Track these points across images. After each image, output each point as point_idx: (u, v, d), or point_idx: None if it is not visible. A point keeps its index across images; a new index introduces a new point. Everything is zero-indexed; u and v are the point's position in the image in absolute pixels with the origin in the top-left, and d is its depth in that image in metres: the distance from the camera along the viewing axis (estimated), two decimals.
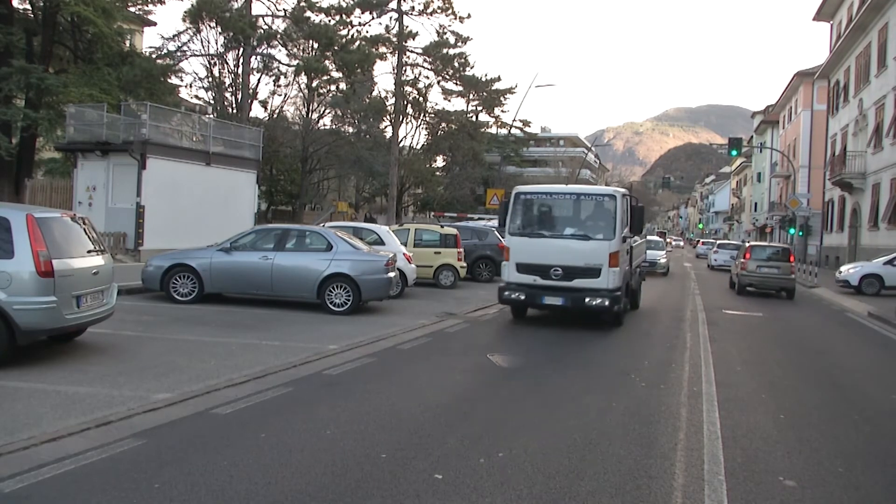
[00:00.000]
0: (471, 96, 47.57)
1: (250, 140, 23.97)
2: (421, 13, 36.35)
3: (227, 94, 36.80)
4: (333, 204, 45.87)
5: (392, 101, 40.69)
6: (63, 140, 21.05)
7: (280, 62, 36.54)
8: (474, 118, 50.82)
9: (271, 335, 9.02)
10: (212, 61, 35.61)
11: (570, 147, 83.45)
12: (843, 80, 34.43)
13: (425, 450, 4.75)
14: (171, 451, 4.51)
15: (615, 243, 10.56)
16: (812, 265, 26.99)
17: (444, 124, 48.10)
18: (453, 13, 36.36)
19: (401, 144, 44.31)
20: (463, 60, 40.07)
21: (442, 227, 18.80)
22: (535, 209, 11.55)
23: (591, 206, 11.32)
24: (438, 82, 43.10)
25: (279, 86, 39.86)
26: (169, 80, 28.71)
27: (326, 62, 34.06)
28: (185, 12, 30.42)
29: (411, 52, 38.53)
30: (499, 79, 44.20)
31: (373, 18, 36.09)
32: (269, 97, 41.73)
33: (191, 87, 39.07)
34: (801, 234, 33.58)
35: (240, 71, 34.69)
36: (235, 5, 30.82)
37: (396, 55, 37.43)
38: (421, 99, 43.65)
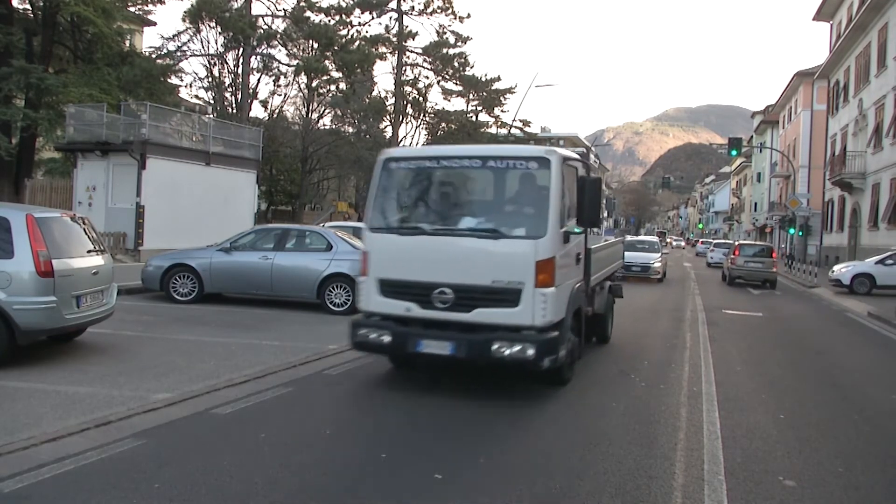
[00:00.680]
0: (471, 96, 47.47)
1: (250, 140, 23.98)
2: (421, 13, 36.39)
3: (227, 94, 36.79)
4: (333, 204, 45.87)
5: (392, 101, 40.70)
6: (63, 140, 21.05)
7: (280, 62, 36.54)
8: (474, 118, 50.70)
9: (271, 335, 9.02)
10: (212, 61, 35.60)
11: (570, 147, 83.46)
12: (842, 80, 34.43)
13: (425, 449, 4.75)
14: (171, 451, 4.51)
15: (548, 243, 6.05)
16: (812, 265, 26.97)
17: (444, 124, 48.01)
18: (453, 13, 36.40)
19: (401, 144, 44.30)
20: (463, 60, 40.07)
21: None
22: (413, 187, 7.06)
23: (506, 180, 6.76)
24: (438, 82, 43.06)
25: (279, 86, 39.85)
26: (169, 80, 28.70)
27: (326, 62, 34.04)
28: (185, 12, 30.41)
29: (411, 52, 38.55)
30: (499, 79, 44.11)
31: (373, 18, 36.13)
32: (268, 97, 41.67)
33: (191, 87, 39.04)
34: (800, 234, 33.57)
35: (240, 71, 34.68)
36: (235, 5, 30.80)
37: (396, 55, 37.44)
38: (421, 99, 43.61)
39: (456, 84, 43.24)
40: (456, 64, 40.09)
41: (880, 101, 27.52)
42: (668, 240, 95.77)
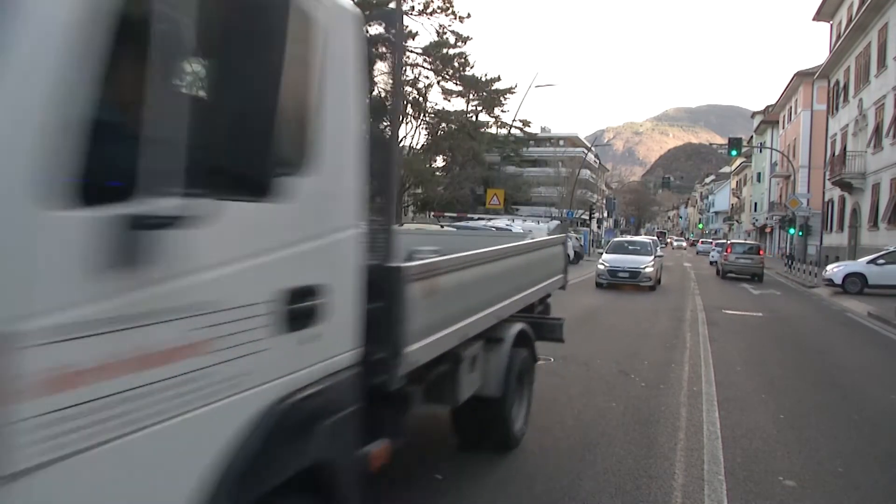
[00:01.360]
0: (471, 96, 47.52)
1: None
2: (421, 13, 36.43)
3: None
4: None
5: (392, 100, 40.72)
6: None
7: None
8: (474, 118, 50.80)
9: None
10: None
11: (570, 147, 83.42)
12: (842, 80, 34.43)
13: (425, 449, 4.75)
14: None
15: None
16: (812, 265, 26.98)
17: (443, 124, 48.09)
18: (453, 13, 36.43)
19: (400, 144, 44.35)
20: (463, 60, 40.11)
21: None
22: None
23: None
24: (438, 82, 43.10)
25: None
26: None
27: None
28: None
29: (411, 51, 38.56)
30: (499, 79, 44.20)
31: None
32: None
33: None
34: (800, 234, 33.57)
35: None
36: None
37: (396, 55, 37.45)
38: (421, 99, 43.66)
39: (456, 84, 43.28)
40: (456, 64, 40.13)
41: (880, 101, 27.52)
42: (669, 240, 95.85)
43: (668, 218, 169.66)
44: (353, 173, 2.50)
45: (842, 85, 34.57)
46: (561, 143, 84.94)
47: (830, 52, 35.86)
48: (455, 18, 36.60)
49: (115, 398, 1.52)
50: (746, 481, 4.44)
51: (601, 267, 19.76)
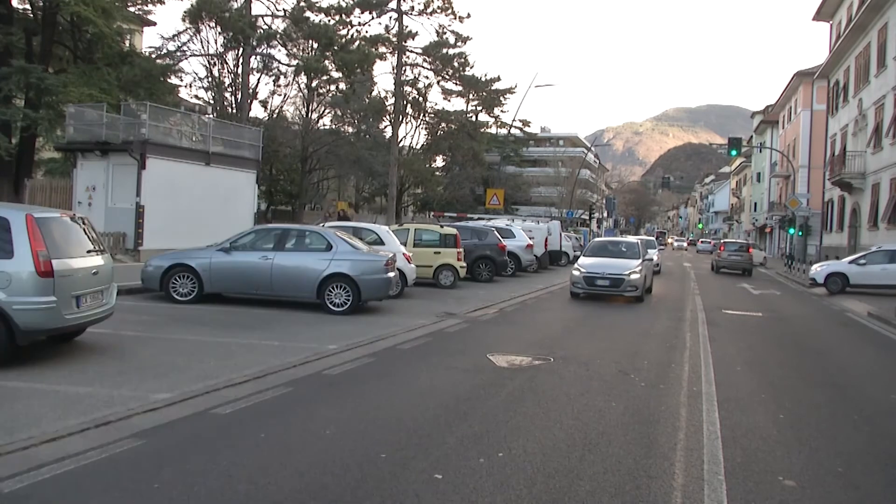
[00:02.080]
0: (470, 96, 47.60)
1: (250, 140, 23.97)
2: (421, 13, 36.37)
3: (227, 94, 36.83)
4: (333, 203, 45.90)
5: (392, 100, 40.71)
6: (63, 140, 21.04)
7: (280, 62, 36.59)
8: (474, 118, 50.87)
9: (271, 335, 9.02)
10: (211, 61, 35.66)
11: (570, 147, 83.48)
12: (842, 80, 34.44)
13: (425, 450, 4.75)
14: (171, 451, 4.50)
15: None
16: (812, 265, 26.99)
17: (443, 124, 48.13)
18: (453, 13, 36.38)
19: (400, 144, 44.34)
20: (463, 60, 40.10)
21: (441, 227, 18.81)
22: None
23: None
24: (438, 82, 43.14)
25: (279, 86, 39.93)
26: (169, 80, 28.69)
27: (326, 62, 34.06)
28: (185, 12, 30.45)
29: (411, 51, 38.56)
30: (498, 79, 44.24)
31: (372, 18, 36.12)
32: (268, 97, 41.76)
33: (190, 86, 39.14)
34: (800, 234, 33.62)
35: (239, 71, 34.72)
36: (235, 5, 30.82)
37: (396, 55, 37.43)
38: (421, 99, 43.69)
39: (456, 84, 43.31)
40: (456, 64, 40.13)
41: (880, 101, 27.52)
42: (669, 240, 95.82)
43: (668, 218, 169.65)
44: None
45: (841, 85, 34.57)
46: (561, 143, 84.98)
47: (830, 52, 35.86)
48: (455, 18, 36.56)
49: None
50: (746, 481, 4.44)
51: (576, 273, 15.90)
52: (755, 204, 65.99)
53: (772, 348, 10.49)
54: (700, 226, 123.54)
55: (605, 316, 13.07)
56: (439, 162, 58.30)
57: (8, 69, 20.38)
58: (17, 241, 6.41)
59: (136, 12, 28.59)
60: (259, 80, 37.77)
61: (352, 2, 34.42)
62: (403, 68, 38.69)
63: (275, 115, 40.91)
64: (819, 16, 38.22)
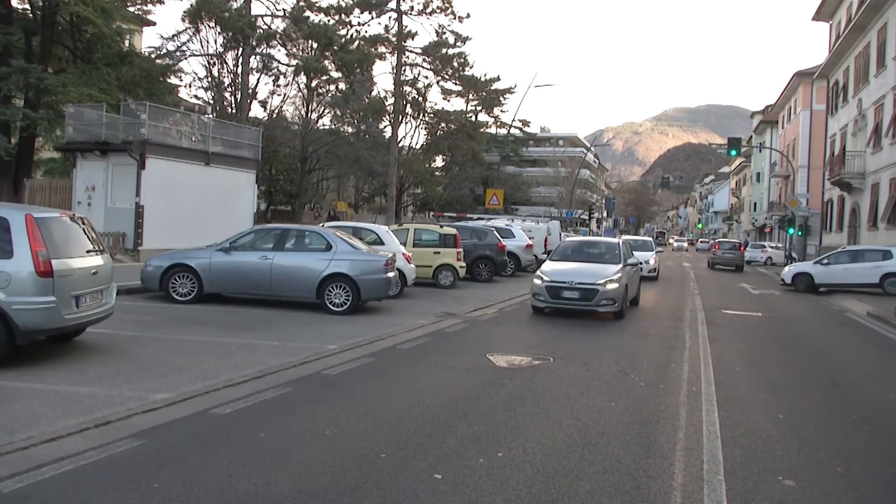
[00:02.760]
0: (470, 96, 47.61)
1: (249, 140, 23.97)
2: (420, 13, 36.36)
3: (227, 94, 36.84)
4: (333, 203, 45.92)
5: (391, 100, 40.71)
6: (62, 140, 21.04)
7: (279, 62, 36.60)
8: (473, 118, 50.86)
9: (270, 335, 9.02)
10: (211, 61, 35.65)
11: (570, 147, 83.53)
12: (842, 80, 34.44)
13: (424, 450, 4.75)
14: (171, 451, 4.50)
15: None
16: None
17: (443, 124, 48.13)
18: (452, 13, 36.37)
19: (400, 144, 44.34)
20: (462, 60, 40.07)
21: (441, 226, 18.81)
22: None
23: None
24: (438, 82, 43.12)
25: (278, 86, 39.94)
26: (168, 80, 28.72)
27: (326, 62, 34.08)
28: (185, 12, 30.44)
29: (410, 51, 38.54)
30: (498, 79, 44.22)
31: (372, 18, 36.12)
32: (268, 97, 41.78)
33: (190, 86, 39.09)
34: (800, 233, 33.61)
35: (239, 71, 34.73)
36: (235, 5, 30.82)
37: (396, 55, 37.43)
38: (420, 99, 43.66)
39: (455, 84, 43.30)
40: (455, 64, 40.10)
41: (879, 101, 27.53)
42: (670, 241, 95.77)
43: (668, 218, 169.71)
44: None
45: (841, 85, 34.58)
46: (560, 142, 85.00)
47: (830, 52, 35.86)
48: (454, 18, 36.53)
49: None
50: (746, 481, 4.44)
51: (537, 283, 12.58)
52: (755, 204, 66.02)
53: (771, 348, 10.49)
54: (700, 226, 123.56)
55: (605, 316, 13.06)
56: (439, 162, 58.34)
57: (7, 69, 20.38)
58: (16, 241, 6.41)
59: (136, 12, 28.61)
60: (259, 80, 37.81)
61: (351, 2, 34.42)
62: (403, 68, 38.68)
63: (274, 115, 40.92)
64: (819, 16, 38.23)
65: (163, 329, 9.11)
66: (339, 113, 43.98)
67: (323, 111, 43.98)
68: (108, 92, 22.41)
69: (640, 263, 16.84)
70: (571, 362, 8.24)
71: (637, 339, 10.50)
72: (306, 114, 42.95)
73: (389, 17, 36.62)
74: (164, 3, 28.14)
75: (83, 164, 19.83)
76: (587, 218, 64.92)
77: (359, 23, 35.51)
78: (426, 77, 42.02)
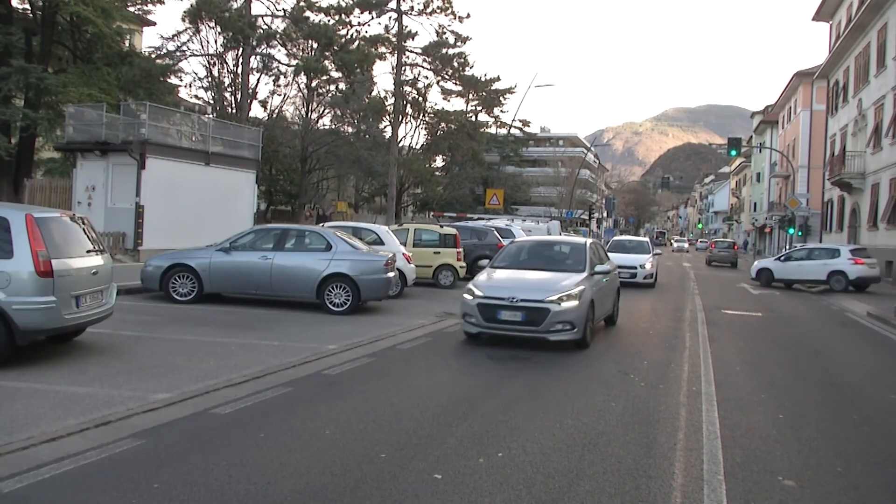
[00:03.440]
0: (470, 96, 47.60)
1: (249, 140, 23.97)
2: (420, 13, 36.35)
3: (227, 94, 36.81)
4: (333, 204, 45.91)
5: (391, 100, 40.69)
6: (62, 140, 21.05)
7: (279, 62, 36.57)
8: (474, 118, 50.84)
9: (270, 335, 9.02)
10: (211, 61, 35.62)
11: (570, 147, 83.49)
12: (842, 81, 34.44)
13: (424, 450, 4.75)
14: (171, 451, 4.50)
15: None
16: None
17: (443, 124, 48.10)
18: (452, 13, 36.37)
19: (400, 144, 44.32)
20: (462, 60, 40.06)
21: (441, 226, 18.81)
22: None
23: None
24: (438, 82, 43.10)
25: (278, 86, 39.89)
26: (168, 80, 28.72)
27: (326, 62, 34.05)
28: (185, 12, 30.42)
29: (410, 51, 38.54)
30: (498, 79, 44.21)
31: (372, 18, 36.12)
32: (268, 97, 41.73)
33: (190, 86, 39.05)
34: (800, 234, 33.62)
35: (239, 71, 34.70)
36: (235, 5, 30.80)
37: (396, 55, 37.43)
38: (420, 99, 43.63)
39: (455, 84, 43.28)
40: (455, 64, 40.09)
41: (879, 101, 27.53)
42: (670, 240, 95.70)
43: (668, 218, 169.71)
44: None
45: (841, 85, 34.58)
46: (560, 143, 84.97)
47: (830, 52, 35.86)
48: (454, 18, 36.53)
49: None
50: (746, 481, 4.44)
51: (468, 299, 9.15)
52: (755, 204, 65.99)
53: (771, 348, 10.49)
54: (700, 226, 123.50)
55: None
56: (439, 162, 58.30)
57: (7, 69, 20.38)
58: (16, 241, 6.41)
59: (136, 12, 28.62)
60: (259, 80, 37.76)
61: (351, 2, 34.41)
62: (403, 68, 38.67)
63: (274, 115, 40.89)
64: (819, 16, 38.22)
65: (163, 329, 9.11)
66: (339, 113, 43.95)
67: (323, 111, 43.97)
68: (108, 92, 22.41)
69: (616, 270, 12.31)
70: (572, 362, 8.23)
71: (637, 338, 10.49)
72: (306, 114, 42.92)
73: (389, 17, 36.65)
74: (164, 3, 28.16)
75: (83, 164, 19.83)
76: (587, 218, 64.89)
77: (359, 23, 35.53)
78: (426, 77, 42.02)
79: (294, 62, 35.51)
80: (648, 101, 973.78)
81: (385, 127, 46.44)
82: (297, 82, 39.92)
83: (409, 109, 45.36)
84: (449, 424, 5.40)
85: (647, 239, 24.76)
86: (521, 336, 8.86)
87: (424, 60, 39.38)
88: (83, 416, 5.07)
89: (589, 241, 11.16)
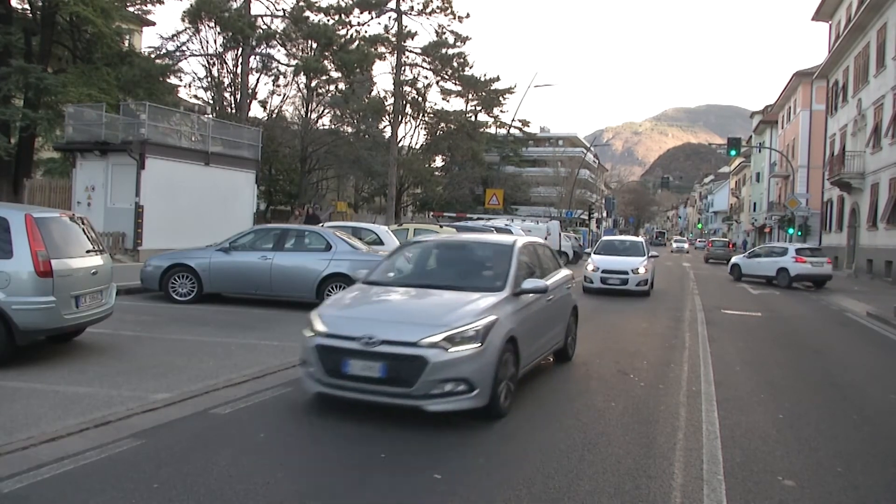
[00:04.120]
0: (470, 96, 47.54)
1: (249, 140, 23.96)
2: (420, 13, 36.34)
3: (226, 94, 36.81)
4: (332, 204, 45.90)
5: (391, 100, 40.69)
6: (62, 140, 21.04)
7: (279, 62, 36.57)
8: (473, 118, 50.82)
9: (270, 335, 9.02)
10: (211, 61, 35.62)
11: (570, 147, 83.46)
12: (841, 80, 34.45)
13: (425, 450, 4.75)
14: (170, 451, 4.50)
15: None
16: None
17: (442, 124, 48.11)
18: (452, 13, 36.36)
19: (400, 144, 44.31)
20: (462, 60, 40.05)
21: (441, 227, 18.81)
22: None
23: None
24: (437, 82, 43.09)
25: (278, 85, 39.89)
26: (168, 80, 28.70)
27: (325, 62, 34.04)
28: (184, 12, 30.42)
29: (410, 51, 38.53)
30: (498, 79, 44.17)
31: (372, 18, 36.10)
32: (268, 97, 41.71)
33: (190, 86, 39.01)
34: (799, 233, 33.62)
35: (239, 71, 34.70)
36: (234, 5, 30.80)
37: (395, 55, 37.42)
38: (420, 99, 43.64)
39: (455, 84, 43.25)
40: (455, 64, 40.08)
41: (879, 101, 27.54)
42: (669, 240, 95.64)
43: (668, 218, 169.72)
44: None
45: (841, 85, 34.59)
46: (560, 143, 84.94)
47: (829, 52, 35.87)
48: (454, 18, 36.51)
49: None
50: (745, 481, 4.44)
51: (306, 336, 5.67)
52: (754, 204, 66.00)
53: (771, 348, 10.49)
54: (700, 226, 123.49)
55: (605, 315, 13.06)
56: (438, 162, 58.30)
57: (7, 69, 20.37)
58: (16, 241, 6.41)
59: (136, 12, 28.60)
60: (258, 80, 37.76)
61: (351, 2, 34.40)
62: (403, 68, 38.66)
63: (274, 115, 40.87)
64: (818, 16, 38.24)
65: (163, 329, 9.10)
66: (338, 113, 43.93)
67: (323, 111, 43.96)
68: (107, 92, 22.40)
69: (568, 283, 8.37)
70: (571, 362, 8.23)
71: (637, 338, 10.49)
72: (306, 114, 42.92)
73: (389, 17, 36.63)
74: (163, 3, 28.15)
75: (83, 164, 19.82)
76: (587, 218, 64.90)
77: (358, 23, 35.51)
78: (426, 77, 42.03)
79: (294, 62, 35.51)
80: (648, 101, 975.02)
81: (385, 127, 46.43)
82: (296, 82, 39.95)
83: (408, 109, 45.37)
84: (449, 424, 5.39)
85: (641, 239, 21.12)
86: (381, 403, 5.38)
87: (424, 60, 39.38)
88: (83, 416, 5.07)
89: (522, 240, 7.45)
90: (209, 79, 36.60)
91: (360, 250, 11.94)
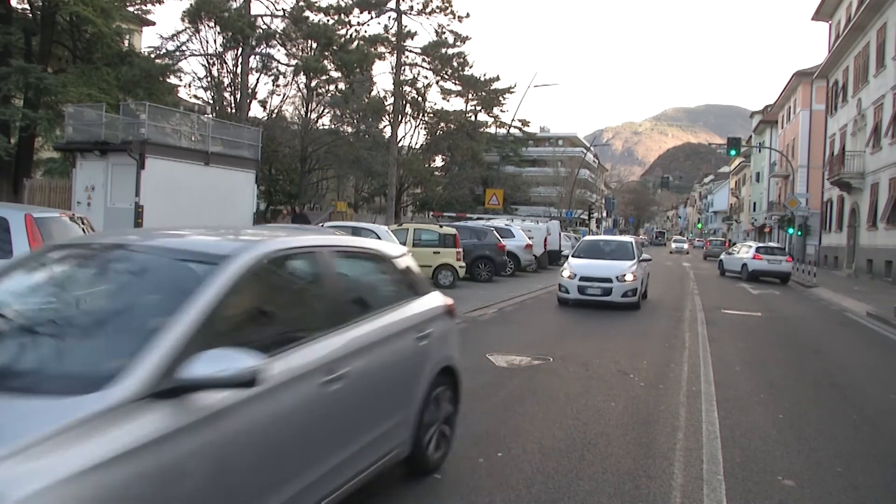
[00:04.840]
0: (470, 96, 47.52)
1: (249, 140, 23.96)
2: (420, 13, 36.32)
3: (226, 94, 36.80)
4: (333, 203, 45.90)
5: (391, 100, 40.68)
6: (62, 140, 21.02)
7: (279, 62, 36.55)
8: (473, 118, 50.80)
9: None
10: (211, 61, 35.60)
11: (569, 147, 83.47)
12: (841, 80, 34.46)
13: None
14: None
15: None
16: (811, 265, 26.99)
17: (442, 124, 48.08)
18: (452, 13, 36.33)
19: (399, 144, 44.31)
20: (462, 60, 40.02)
21: (441, 226, 18.81)
22: None
23: None
24: (437, 82, 43.06)
25: (278, 85, 39.86)
26: (168, 80, 28.68)
27: (325, 62, 34.04)
28: (184, 12, 30.41)
29: (410, 51, 38.51)
30: (498, 78, 44.14)
31: (371, 18, 36.07)
32: (267, 97, 41.64)
33: (190, 86, 38.95)
34: (799, 233, 33.59)
35: (239, 71, 34.69)
36: (234, 5, 30.78)
37: (395, 55, 37.41)
38: (420, 98, 43.62)
39: (455, 84, 43.22)
40: (455, 64, 40.05)
41: (879, 100, 27.55)
42: (669, 240, 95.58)
43: (668, 218, 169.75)
44: None
45: (840, 85, 34.59)
46: (560, 142, 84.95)
47: (829, 51, 35.88)
48: (454, 18, 36.49)
49: None
50: (745, 481, 4.44)
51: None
52: (754, 204, 66.02)
53: (771, 348, 10.49)
54: (699, 226, 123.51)
55: (604, 316, 13.06)
56: (438, 162, 58.27)
57: (7, 69, 20.36)
58: (16, 241, 6.40)
59: (135, 12, 28.57)
60: (258, 79, 37.72)
61: (351, 1, 34.38)
62: (402, 68, 38.64)
63: (274, 115, 40.85)
64: (818, 16, 38.25)
65: None
66: (338, 113, 43.92)
67: (323, 111, 43.94)
68: (107, 92, 22.39)
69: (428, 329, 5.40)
70: (571, 362, 8.24)
71: (636, 338, 10.49)
72: (306, 114, 42.91)
73: (389, 17, 36.60)
74: (163, 3, 28.13)
75: (83, 164, 19.81)
76: (587, 218, 64.91)
77: (358, 23, 35.48)
78: (426, 77, 41.97)
79: (293, 62, 35.51)
80: (648, 101, 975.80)
81: (385, 127, 46.42)
82: (296, 82, 39.94)
83: (408, 109, 45.35)
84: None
85: (631, 239, 17.28)
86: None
87: (424, 60, 39.35)
88: None
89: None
90: (209, 79, 36.60)
91: None
